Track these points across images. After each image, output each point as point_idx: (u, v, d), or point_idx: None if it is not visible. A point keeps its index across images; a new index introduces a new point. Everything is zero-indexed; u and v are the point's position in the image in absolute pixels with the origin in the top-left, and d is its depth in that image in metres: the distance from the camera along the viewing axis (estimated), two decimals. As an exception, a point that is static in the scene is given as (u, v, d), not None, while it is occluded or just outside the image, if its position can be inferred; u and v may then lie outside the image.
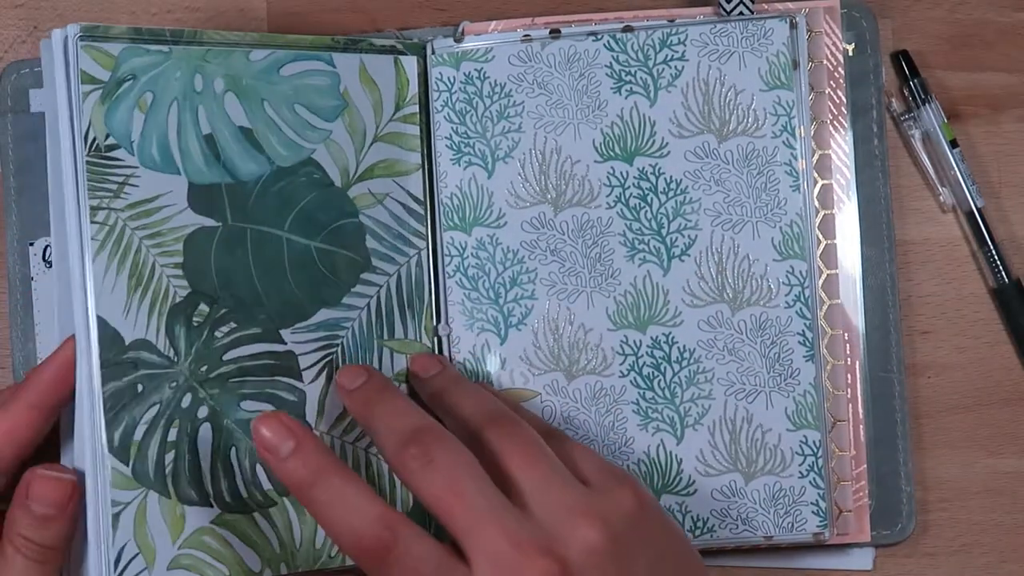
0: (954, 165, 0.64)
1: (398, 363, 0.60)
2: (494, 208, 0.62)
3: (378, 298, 0.60)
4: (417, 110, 0.62)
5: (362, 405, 0.56)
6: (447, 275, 0.62)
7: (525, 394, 0.61)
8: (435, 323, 0.62)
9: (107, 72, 0.55)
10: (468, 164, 0.62)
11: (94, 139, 0.54)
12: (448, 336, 0.62)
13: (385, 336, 0.60)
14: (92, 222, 0.54)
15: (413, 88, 0.62)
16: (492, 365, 0.61)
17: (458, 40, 0.62)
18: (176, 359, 0.56)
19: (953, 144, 0.64)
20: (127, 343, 0.54)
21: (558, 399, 0.61)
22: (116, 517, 0.54)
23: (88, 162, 0.54)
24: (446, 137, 0.62)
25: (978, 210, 0.64)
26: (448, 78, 0.62)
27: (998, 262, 0.64)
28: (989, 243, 0.64)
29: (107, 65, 0.55)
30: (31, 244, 0.64)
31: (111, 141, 0.55)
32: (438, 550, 0.49)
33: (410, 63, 0.62)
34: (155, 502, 0.55)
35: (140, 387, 0.55)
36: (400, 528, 0.49)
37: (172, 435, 0.55)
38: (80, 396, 0.54)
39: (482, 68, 0.62)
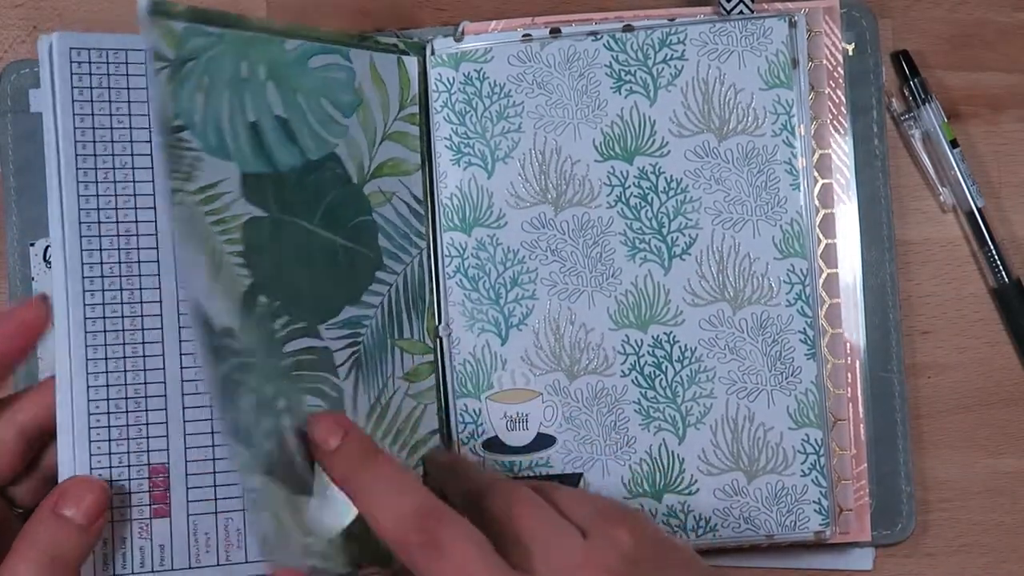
0: (954, 165, 0.64)
1: (407, 363, 0.60)
2: (494, 208, 0.62)
3: (389, 297, 0.60)
4: (418, 110, 0.62)
5: (345, 471, 0.52)
6: (447, 276, 0.62)
7: (526, 394, 0.61)
8: (436, 324, 0.61)
9: (172, 51, 0.52)
10: (468, 164, 0.62)
11: (167, 119, 0.51)
12: (448, 337, 0.61)
13: (396, 335, 0.60)
14: (174, 204, 0.51)
15: (414, 88, 0.61)
16: (493, 366, 0.61)
17: (458, 40, 0.62)
18: (252, 349, 0.52)
19: (953, 144, 0.64)
20: (216, 330, 0.50)
21: (559, 399, 0.61)
22: (253, 504, 0.51)
23: (166, 144, 0.51)
24: (446, 138, 0.62)
25: (978, 210, 0.64)
26: (447, 79, 0.62)
27: (998, 262, 0.64)
28: (989, 243, 0.64)
29: (172, 44, 0.52)
30: (31, 244, 0.64)
31: (178, 123, 0.52)
32: (491, 551, 0.47)
33: (412, 63, 0.61)
34: (275, 490, 0.51)
35: (236, 374, 0.51)
36: (447, 516, 0.48)
37: (267, 425, 0.52)
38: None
39: (481, 68, 0.62)
